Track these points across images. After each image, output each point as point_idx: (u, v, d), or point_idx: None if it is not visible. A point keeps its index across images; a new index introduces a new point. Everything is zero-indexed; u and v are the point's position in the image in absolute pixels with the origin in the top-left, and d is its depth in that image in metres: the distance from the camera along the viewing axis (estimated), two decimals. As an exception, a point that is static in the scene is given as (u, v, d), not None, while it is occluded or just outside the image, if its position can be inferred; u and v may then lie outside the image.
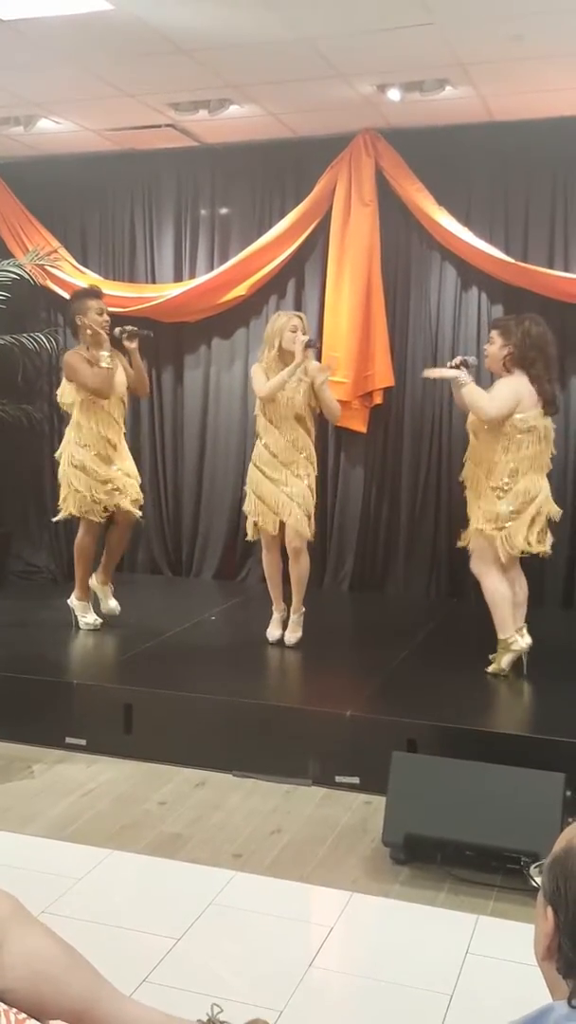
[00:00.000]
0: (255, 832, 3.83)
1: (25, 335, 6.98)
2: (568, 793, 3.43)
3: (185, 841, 3.74)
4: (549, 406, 4.67)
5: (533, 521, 4.64)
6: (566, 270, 6.09)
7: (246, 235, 6.73)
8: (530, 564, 6.35)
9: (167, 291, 6.68)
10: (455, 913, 3.25)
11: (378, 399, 6.47)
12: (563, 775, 3.48)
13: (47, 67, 5.15)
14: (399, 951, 3.04)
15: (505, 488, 4.61)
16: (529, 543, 4.65)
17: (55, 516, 5.78)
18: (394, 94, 5.48)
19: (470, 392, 4.65)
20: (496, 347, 4.70)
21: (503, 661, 4.73)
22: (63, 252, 7.00)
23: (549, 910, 1.27)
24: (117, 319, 7.07)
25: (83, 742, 4.57)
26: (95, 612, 5.70)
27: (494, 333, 4.76)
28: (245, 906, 3.27)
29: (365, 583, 6.72)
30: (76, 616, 5.66)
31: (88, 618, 5.64)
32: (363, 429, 6.51)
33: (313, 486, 5.25)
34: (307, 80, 5.33)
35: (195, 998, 2.42)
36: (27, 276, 6.85)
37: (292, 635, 5.31)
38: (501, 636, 4.75)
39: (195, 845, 3.71)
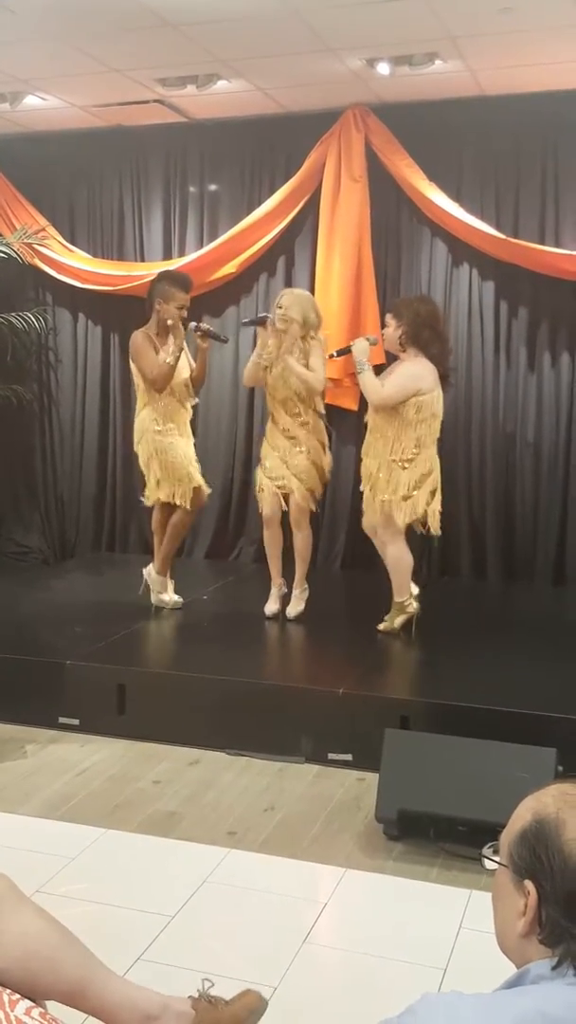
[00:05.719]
0: (249, 810, 3.84)
1: (14, 314, 6.96)
2: (560, 768, 3.45)
3: (179, 820, 3.76)
4: (445, 382, 5.00)
5: (433, 495, 4.91)
6: (557, 245, 6.08)
7: (235, 212, 6.68)
8: (522, 541, 6.41)
9: (156, 269, 6.61)
10: (448, 888, 3.27)
11: (369, 376, 6.46)
12: (555, 750, 3.50)
13: (33, 43, 5.09)
14: (393, 926, 3.06)
15: (410, 459, 4.86)
16: (431, 513, 4.90)
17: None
18: (383, 68, 5.44)
19: (363, 379, 4.94)
20: (391, 329, 4.96)
21: (396, 621, 5.07)
22: (51, 230, 6.97)
23: (528, 883, 1.28)
24: (107, 297, 7.05)
25: (76, 722, 4.57)
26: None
27: (388, 316, 5.04)
28: (239, 883, 3.28)
29: (357, 561, 6.70)
30: (152, 591, 5.57)
31: (165, 596, 5.58)
32: (354, 407, 6.48)
33: (319, 461, 5.29)
34: (296, 54, 5.28)
35: (190, 975, 2.42)
36: (15, 255, 6.82)
37: (293, 609, 5.36)
38: (398, 599, 5.09)
39: (189, 823, 3.72)
